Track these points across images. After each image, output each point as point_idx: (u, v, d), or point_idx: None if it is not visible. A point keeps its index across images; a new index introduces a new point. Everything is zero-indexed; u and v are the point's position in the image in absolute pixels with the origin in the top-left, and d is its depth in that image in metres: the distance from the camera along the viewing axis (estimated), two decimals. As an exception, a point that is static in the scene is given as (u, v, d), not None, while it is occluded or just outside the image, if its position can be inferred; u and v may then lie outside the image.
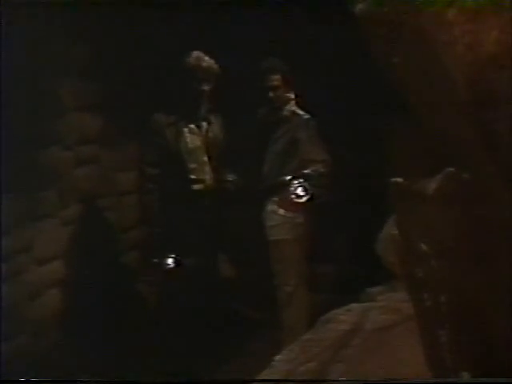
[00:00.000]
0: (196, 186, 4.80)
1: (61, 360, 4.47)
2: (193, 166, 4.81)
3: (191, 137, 4.84)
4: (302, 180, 4.61)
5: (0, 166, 4.36)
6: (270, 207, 4.76)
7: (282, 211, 4.72)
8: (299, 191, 4.60)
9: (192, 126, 4.84)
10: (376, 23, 2.47)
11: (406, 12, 2.39)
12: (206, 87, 4.78)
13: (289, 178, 4.66)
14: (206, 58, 4.78)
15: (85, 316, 4.70)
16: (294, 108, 4.79)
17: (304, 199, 4.60)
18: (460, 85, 2.41)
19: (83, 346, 4.64)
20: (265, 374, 3.24)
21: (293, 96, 4.79)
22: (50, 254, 4.84)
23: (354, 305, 3.50)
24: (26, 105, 4.46)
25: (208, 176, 4.83)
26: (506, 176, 2.50)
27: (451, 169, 2.61)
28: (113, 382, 3.87)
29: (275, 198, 4.73)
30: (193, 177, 4.80)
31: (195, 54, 4.79)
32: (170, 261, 4.71)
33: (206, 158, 4.83)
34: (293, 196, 4.62)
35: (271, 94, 4.77)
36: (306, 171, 4.65)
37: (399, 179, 2.65)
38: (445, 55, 2.36)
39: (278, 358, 3.23)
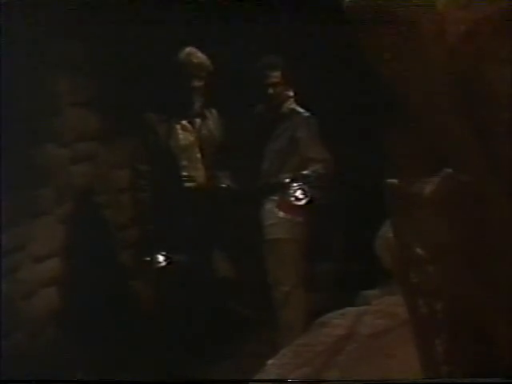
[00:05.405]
0: (188, 184, 4.75)
1: (58, 359, 4.44)
2: (185, 163, 4.76)
3: (183, 133, 4.78)
4: (301, 183, 4.57)
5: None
6: (269, 206, 4.72)
7: (281, 213, 4.68)
8: (298, 194, 4.57)
9: (184, 122, 4.78)
10: (364, 16, 2.36)
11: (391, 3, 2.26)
12: (197, 83, 4.72)
13: (288, 180, 4.61)
14: (198, 54, 4.72)
15: (82, 314, 4.68)
16: (294, 106, 4.74)
17: (303, 202, 4.57)
18: (455, 82, 2.33)
19: (80, 345, 4.62)
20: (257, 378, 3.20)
21: (292, 93, 4.74)
22: (45, 252, 4.81)
23: (348, 309, 3.45)
24: (21, 102, 4.43)
25: (200, 173, 4.77)
26: (505, 178, 2.44)
27: (449, 170, 2.55)
28: (111, 382, 3.86)
29: (274, 197, 4.69)
30: (185, 174, 4.75)
31: (187, 49, 4.73)
32: (160, 258, 4.67)
33: (198, 155, 4.78)
34: (292, 198, 4.59)
35: (270, 91, 4.72)
36: (305, 172, 4.61)
37: (394, 180, 2.59)
38: (436, 49, 2.25)
39: (270, 362, 3.19)
